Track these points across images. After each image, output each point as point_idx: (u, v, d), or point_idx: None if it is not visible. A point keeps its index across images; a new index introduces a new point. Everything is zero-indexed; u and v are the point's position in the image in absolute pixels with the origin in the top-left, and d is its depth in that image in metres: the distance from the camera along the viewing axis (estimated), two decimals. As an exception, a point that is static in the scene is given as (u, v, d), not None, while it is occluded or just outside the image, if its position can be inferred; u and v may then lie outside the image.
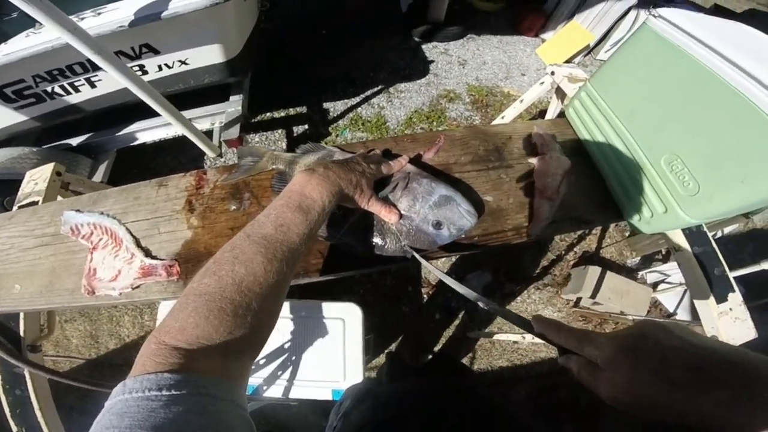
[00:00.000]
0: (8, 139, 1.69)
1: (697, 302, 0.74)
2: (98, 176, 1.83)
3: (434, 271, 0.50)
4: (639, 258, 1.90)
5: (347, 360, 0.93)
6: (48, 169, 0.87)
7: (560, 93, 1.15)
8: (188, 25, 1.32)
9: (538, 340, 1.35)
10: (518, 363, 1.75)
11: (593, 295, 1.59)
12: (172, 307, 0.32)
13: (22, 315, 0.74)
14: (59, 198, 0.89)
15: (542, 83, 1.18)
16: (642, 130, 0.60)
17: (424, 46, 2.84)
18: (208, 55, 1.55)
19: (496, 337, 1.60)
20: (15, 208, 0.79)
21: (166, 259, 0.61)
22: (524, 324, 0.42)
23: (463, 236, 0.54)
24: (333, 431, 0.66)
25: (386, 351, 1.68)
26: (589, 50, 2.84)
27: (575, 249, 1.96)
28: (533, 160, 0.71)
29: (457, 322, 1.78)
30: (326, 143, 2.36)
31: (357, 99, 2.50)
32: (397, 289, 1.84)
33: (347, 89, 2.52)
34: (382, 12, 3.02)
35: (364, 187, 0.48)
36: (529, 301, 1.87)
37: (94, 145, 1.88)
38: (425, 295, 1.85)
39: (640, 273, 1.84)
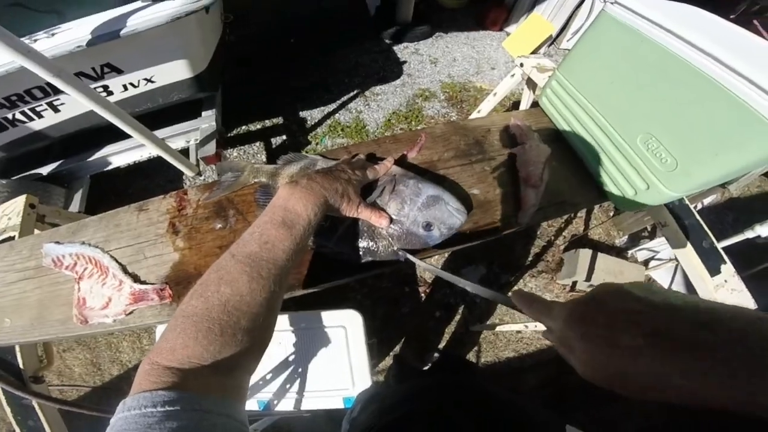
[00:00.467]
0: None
1: (691, 277, 0.77)
2: (74, 206, 1.76)
3: (429, 269, 0.51)
4: (626, 237, 1.93)
5: (354, 366, 0.92)
6: (20, 201, 0.83)
7: (531, 83, 1.18)
8: (150, 42, 1.29)
9: (540, 326, 1.39)
10: (524, 352, 1.75)
11: (588, 278, 1.63)
12: (165, 328, 0.34)
13: (18, 348, 0.73)
14: (36, 231, 0.85)
15: (513, 75, 1.21)
16: (614, 112, 0.63)
17: (395, 48, 2.86)
18: (175, 72, 1.51)
19: (498, 328, 1.61)
20: (-11, 246, 0.75)
21: (156, 283, 0.60)
22: (510, 303, 0.40)
23: (452, 233, 0.55)
24: None
25: (392, 354, 1.68)
26: (552, 40, 2.92)
27: (564, 234, 2.01)
28: (513, 150, 0.73)
29: (457, 317, 1.79)
30: (306, 152, 2.35)
31: (334, 105, 2.49)
32: (394, 290, 1.84)
33: (323, 96, 2.51)
34: (350, 17, 3.02)
35: (351, 194, 0.48)
36: (526, 290, 1.90)
37: (65, 173, 1.80)
38: (423, 294, 1.86)
39: (630, 252, 1.87)
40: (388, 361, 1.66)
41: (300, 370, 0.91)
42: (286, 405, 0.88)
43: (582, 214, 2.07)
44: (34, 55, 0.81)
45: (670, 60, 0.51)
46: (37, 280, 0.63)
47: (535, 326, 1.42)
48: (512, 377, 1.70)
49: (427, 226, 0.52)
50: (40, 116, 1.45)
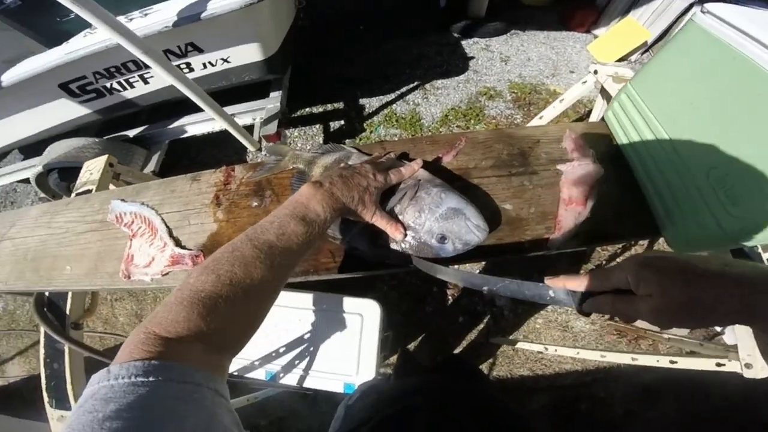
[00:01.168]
0: (75, 130, 1.89)
1: (737, 326, 0.67)
2: (151, 166, 2.00)
3: (441, 275, 0.49)
4: None
5: (362, 355, 0.94)
6: (102, 160, 0.96)
7: (605, 94, 1.07)
8: (227, 25, 1.39)
9: (562, 351, 1.31)
10: (540, 373, 1.68)
11: None
12: (165, 299, 0.34)
13: (70, 294, 0.82)
14: (111, 187, 0.98)
15: (584, 82, 1.11)
16: (687, 137, 0.54)
17: (463, 42, 2.75)
18: (248, 54, 1.62)
19: (519, 344, 1.54)
20: (73, 195, 0.89)
21: (193, 250, 0.66)
22: (539, 291, 0.42)
23: (468, 249, 0.52)
24: (337, 421, 0.68)
25: (400, 348, 1.69)
26: (647, 48, 2.60)
27: (618, 259, 1.83)
28: (561, 167, 0.67)
29: (480, 326, 1.74)
30: (360, 139, 2.41)
31: (392, 95, 2.49)
32: (422, 288, 1.83)
33: (382, 85, 2.52)
34: (420, 8, 2.96)
35: (367, 203, 0.49)
36: (561, 311, 1.78)
37: (148, 137, 2.05)
38: (450, 297, 1.82)
39: None
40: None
41: (311, 349, 0.95)
42: (290, 380, 0.92)
43: (645, 242, 1.86)
44: (128, 33, 0.92)
45: (766, 82, 0.43)
46: (100, 233, 0.73)
47: (555, 350, 1.34)
48: (522, 395, 1.64)
49: (442, 239, 0.50)
50: (132, 86, 1.66)
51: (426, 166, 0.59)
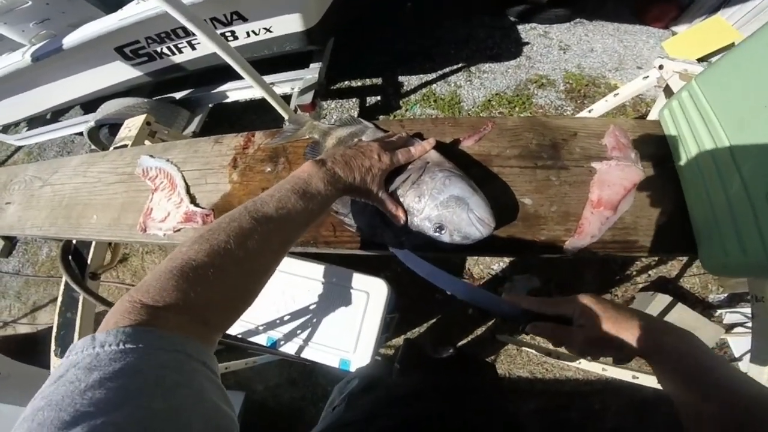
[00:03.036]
0: (127, 90, 2.01)
1: (753, 365, 0.59)
2: (192, 127, 2.09)
3: (418, 268, 0.48)
4: (726, 295, 1.61)
5: (362, 334, 0.95)
6: (141, 119, 1.01)
7: (669, 92, 0.95)
8: None
9: (566, 358, 1.26)
10: (539, 377, 1.65)
11: None
12: (155, 268, 0.32)
13: (93, 244, 0.85)
14: (147, 143, 1.03)
15: (646, 78, 0.99)
16: (752, 148, 0.46)
17: (519, 27, 2.56)
18: (289, 24, 1.61)
19: (525, 346, 1.53)
20: (111, 148, 0.94)
21: (206, 209, 0.68)
22: (494, 302, 0.45)
23: (469, 243, 0.49)
24: (335, 410, 0.67)
25: (405, 336, 1.69)
26: (733, 51, 2.26)
27: (650, 272, 1.69)
28: (596, 164, 0.60)
29: (489, 322, 1.70)
30: (395, 116, 2.36)
31: (433, 75, 2.39)
32: (438, 277, 1.80)
33: (424, 64, 2.42)
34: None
35: (369, 183, 0.47)
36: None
37: (192, 100, 2.13)
38: (466, 288, 1.78)
39: (720, 311, 1.59)
40: (401, 340, 1.67)
41: (314, 320, 0.96)
42: (289, 348, 0.95)
43: (683, 257, 1.70)
44: (174, 1, 0.94)
45: None
46: (126, 185, 0.76)
47: (557, 358, 1.33)
48: (516, 396, 1.64)
49: (439, 229, 0.47)
50: (180, 52, 1.72)
51: (442, 148, 0.55)
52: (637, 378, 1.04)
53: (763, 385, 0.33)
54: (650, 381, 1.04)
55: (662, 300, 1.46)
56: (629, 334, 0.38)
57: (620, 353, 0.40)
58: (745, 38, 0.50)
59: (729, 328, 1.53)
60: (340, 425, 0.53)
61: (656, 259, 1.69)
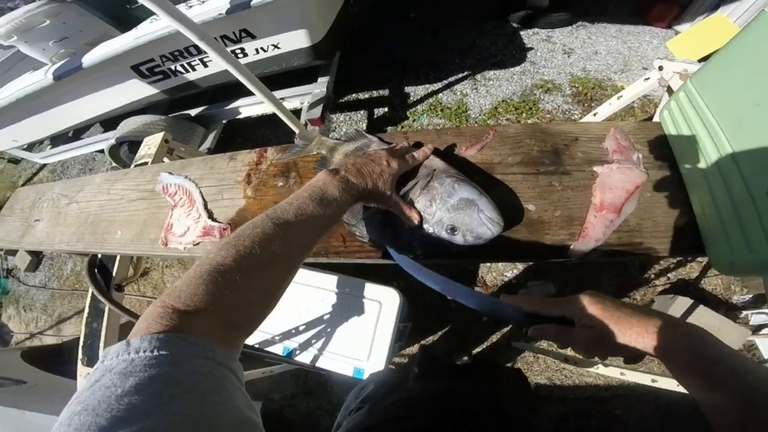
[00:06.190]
0: (145, 108, 2.10)
1: None
2: (207, 143, 2.17)
3: (416, 274, 0.49)
4: (751, 296, 1.55)
5: (375, 342, 0.96)
6: (159, 137, 1.06)
7: (671, 93, 0.96)
8: (276, 12, 1.46)
9: (583, 365, 1.24)
10: (557, 383, 1.61)
11: None
12: (185, 273, 0.33)
13: (118, 258, 0.89)
14: (165, 160, 1.08)
15: (647, 79, 0.99)
16: (749, 146, 0.47)
17: (522, 33, 2.57)
18: (296, 40, 1.68)
19: (541, 353, 1.51)
20: (132, 166, 1.00)
21: (223, 223, 0.71)
22: (495, 306, 0.46)
23: (481, 243, 0.50)
24: (351, 414, 0.67)
25: (421, 343, 1.68)
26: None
27: (669, 275, 1.64)
28: (598, 168, 0.61)
29: (504, 329, 1.67)
30: (402, 127, 2.40)
31: (439, 84, 2.42)
32: (450, 285, 1.80)
33: (430, 74, 2.45)
34: (476, -5, 2.82)
35: (382, 188, 0.49)
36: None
37: (206, 116, 2.22)
38: (478, 295, 1.77)
39: (745, 312, 1.54)
40: (415, 348, 1.67)
41: (328, 330, 0.99)
42: (304, 357, 0.97)
43: (704, 258, 1.65)
44: (185, 20, 1.00)
45: None
46: (148, 201, 0.81)
47: (575, 364, 1.31)
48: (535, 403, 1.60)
49: (452, 230, 0.49)
50: (193, 69, 1.80)
51: (442, 154, 0.58)
52: (657, 381, 1.03)
53: None
54: (670, 384, 1.03)
55: (683, 303, 1.43)
56: (634, 332, 0.38)
57: (627, 352, 0.39)
58: (733, 36, 0.50)
59: (756, 329, 1.48)
60: (363, 429, 0.54)
61: (674, 261, 1.65)
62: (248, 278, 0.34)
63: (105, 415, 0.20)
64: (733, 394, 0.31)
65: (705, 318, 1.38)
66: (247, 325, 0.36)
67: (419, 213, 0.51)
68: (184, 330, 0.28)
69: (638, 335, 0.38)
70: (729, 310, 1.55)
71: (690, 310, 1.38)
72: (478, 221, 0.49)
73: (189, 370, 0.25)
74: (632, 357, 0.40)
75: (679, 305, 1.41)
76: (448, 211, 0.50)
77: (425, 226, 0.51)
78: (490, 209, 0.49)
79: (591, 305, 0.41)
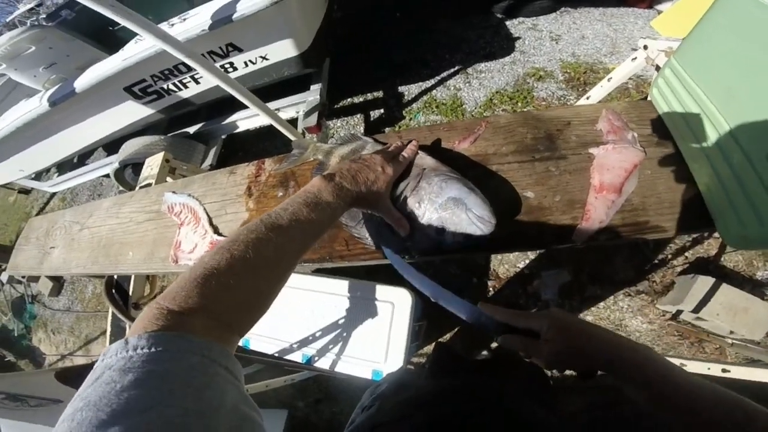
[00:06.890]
0: (143, 129, 2.12)
1: None
2: (209, 160, 2.19)
3: (405, 274, 0.50)
4: None
5: (391, 343, 0.96)
6: (159, 157, 1.08)
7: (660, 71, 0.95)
8: (259, 23, 1.46)
9: None
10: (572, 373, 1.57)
11: (697, 310, 1.30)
12: (179, 276, 0.34)
13: (133, 278, 0.92)
14: (168, 179, 1.11)
15: (634, 59, 0.99)
16: (742, 115, 0.47)
17: (508, 23, 2.57)
18: (283, 50, 1.68)
19: None
20: (137, 188, 1.02)
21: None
22: (472, 312, 0.47)
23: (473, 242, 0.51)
24: (364, 411, 0.68)
25: (437, 341, 1.68)
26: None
27: (687, 254, 1.62)
28: (594, 150, 0.62)
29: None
30: (399, 127, 2.40)
31: (432, 81, 2.42)
32: (461, 278, 1.79)
33: (421, 71, 2.46)
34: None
35: (375, 195, 0.50)
36: (615, 308, 1.63)
37: (205, 133, 2.24)
38: (491, 289, 1.76)
39: None
40: (432, 347, 1.66)
41: (344, 334, 0.99)
42: (323, 363, 0.98)
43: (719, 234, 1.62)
44: (168, 38, 1.01)
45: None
46: (155, 222, 0.83)
47: None
48: (558, 396, 1.57)
49: (440, 231, 0.49)
50: (185, 87, 1.82)
51: (440, 153, 0.58)
52: (685, 365, 1.02)
53: (718, 387, 0.36)
54: (700, 368, 1.02)
55: (705, 282, 1.35)
56: (591, 347, 0.42)
57: (582, 366, 0.43)
58: (708, 8, 0.50)
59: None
60: (370, 426, 0.55)
61: (690, 239, 1.62)
62: (241, 281, 0.35)
63: (106, 410, 0.21)
64: (683, 410, 0.36)
65: (729, 296, 1.31)
66: (241, 326, 0.37)
67: (408, 222, 0.52)
68: (180, 329, 0.29)
69: (594, 350, 0.42)
70: (755, 287, 1.47)
71: (713, 289, 1.32)
72: (467, 220, 0.48)
73: (186, 366, 0.26)
74: (586, 372, 0.44)
75: (701, 285, 1.34)
76: (435, 211, 0.50)
77: (417, 226, 0.51)
78: (479, 207, 0.49)
79: (557, 321, 0.44)
